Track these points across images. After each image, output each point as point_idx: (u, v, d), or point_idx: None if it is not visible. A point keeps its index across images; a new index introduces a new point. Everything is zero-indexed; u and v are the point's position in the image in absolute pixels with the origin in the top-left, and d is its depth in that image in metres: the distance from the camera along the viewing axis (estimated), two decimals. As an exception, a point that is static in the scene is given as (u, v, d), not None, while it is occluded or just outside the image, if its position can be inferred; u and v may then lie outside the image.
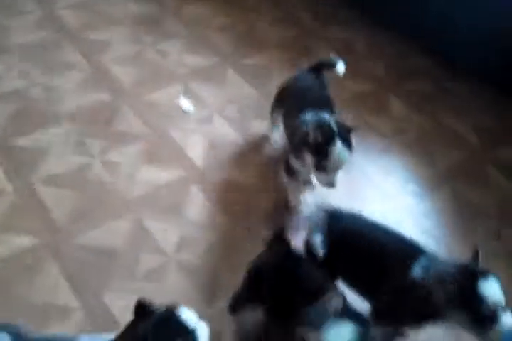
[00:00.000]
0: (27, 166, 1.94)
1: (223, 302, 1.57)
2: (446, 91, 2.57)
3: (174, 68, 2.48)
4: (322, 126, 1.60)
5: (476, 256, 1.22)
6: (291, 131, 1.79)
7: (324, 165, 1.58)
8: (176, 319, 1.09)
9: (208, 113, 2.27)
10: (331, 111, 1.79)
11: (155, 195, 1.91)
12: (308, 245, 1.38)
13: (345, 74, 2.00)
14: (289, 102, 1.89)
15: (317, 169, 1.61)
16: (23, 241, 1.71)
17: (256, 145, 2.16)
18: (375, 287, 1.35)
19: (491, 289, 1.14)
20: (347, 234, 1.40)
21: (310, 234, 1.40)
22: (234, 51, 2.63)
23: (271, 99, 2.07)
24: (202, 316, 1.51)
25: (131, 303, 1.55)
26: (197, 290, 1.65)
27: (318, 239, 1.38)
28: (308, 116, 1.69)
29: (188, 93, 2.35)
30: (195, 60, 2.54)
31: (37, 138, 2.06)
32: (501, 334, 1.14)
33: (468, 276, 1.16)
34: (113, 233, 1.77)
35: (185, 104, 2.28)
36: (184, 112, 2.25)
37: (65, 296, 1.58)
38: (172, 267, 1.70)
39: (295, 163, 1.75)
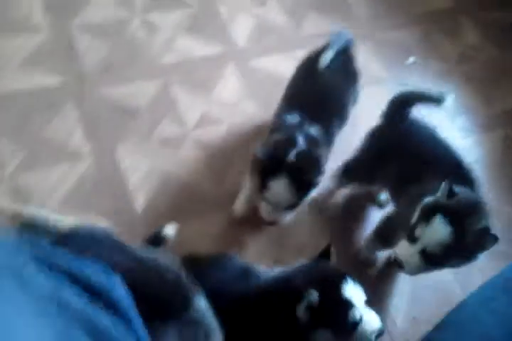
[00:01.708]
0: (67, 9, 1.87)
1: (230, 187, 1.56)
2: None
3: None
4: (275, 149, 1.24)
5: None
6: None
7: (264, 195, 1.27)
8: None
9: (262, -7, 2.09)
10: (332, 120, 1.37)
11: (188, 66, 1.83)
12: None
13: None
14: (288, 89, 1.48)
15: (261, 195, 1.30)
16: (50, 79, 1.69)
17: (306, 40, 1.99)
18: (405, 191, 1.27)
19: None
20: (410, 133, 1.31)
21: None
22: None
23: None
24: (208, 195, 1.55)
25: (140, 164, 1.58)
26: (208, 169, 1.62)
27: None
28: (287, 121, 1.32)
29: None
30: None
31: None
32: None
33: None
34: (139, 93, 1.72)
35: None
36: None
37: (78, 142, 1.58)
38: (188, 141, 1.66)
39: None
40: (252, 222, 1.48)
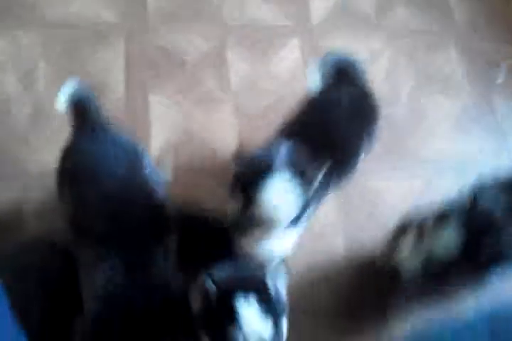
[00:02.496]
0: None
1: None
2: None
3: None
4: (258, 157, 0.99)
5: None
6: None
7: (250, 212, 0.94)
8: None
9: None
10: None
11: (253, 30, 1.73)
12: None
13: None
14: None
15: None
16: (108, 13, 1.66)
17: (385, 32, 1.82)
18: None
19: None
20: None
21: None
22: None
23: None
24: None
25: (170, 116, 1.49)
26: (239, 140, 1.51)
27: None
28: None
29: None
30: None
31: None
32: None
33: None
34: (194, 46, 1.65)
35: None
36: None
37: (115, 77, 1.54)
38: (227, 106, 1.57)
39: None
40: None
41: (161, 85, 1.56)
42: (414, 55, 1.80)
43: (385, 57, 1.77)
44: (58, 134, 1.37)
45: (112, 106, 1.47)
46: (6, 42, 1.54)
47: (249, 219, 0.94)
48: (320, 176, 0.95)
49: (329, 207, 1.43)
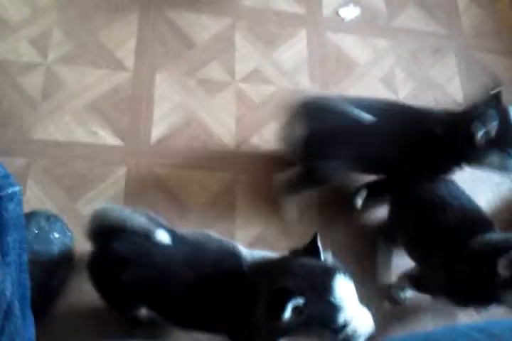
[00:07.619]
0: None
1: (251, 151, 1.53)
2: None
3: None
4: None
5: None
6: None
7: None
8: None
9: None
10: None
11: (264, 15, 1.76)
12: None
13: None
14: None
15: None
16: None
17: (393, 31, 1.85)
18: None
19: None
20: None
21: None
22: None
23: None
24: (225, 151, 1.49)
25: (173, 96, 1.53)
26: (236, 125, 1.56)
27: None
28: None
29: None
30: None
31: None
32: None
33: None
34: (203, 26, 1.68)
35: None
36: None
37: (126, 54, 1.58)
38: (229, 91, 1.61)
39: None
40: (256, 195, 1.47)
41: (169, 64, 1.60)
42: (418, 57, 1.83)
43: (389, 56, 1.81)
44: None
45: (119, 82, 1.53)
46: None
47: None
48: None
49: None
